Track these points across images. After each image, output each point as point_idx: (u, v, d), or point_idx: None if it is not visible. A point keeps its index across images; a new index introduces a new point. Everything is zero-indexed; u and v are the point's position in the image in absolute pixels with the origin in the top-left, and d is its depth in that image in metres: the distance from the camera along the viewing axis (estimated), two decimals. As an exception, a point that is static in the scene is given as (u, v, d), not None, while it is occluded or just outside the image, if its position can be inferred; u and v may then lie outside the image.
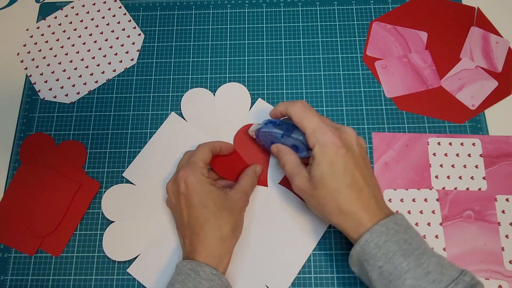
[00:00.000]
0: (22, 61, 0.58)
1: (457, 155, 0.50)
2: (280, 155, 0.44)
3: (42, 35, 0.59)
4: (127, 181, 0.51)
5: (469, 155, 0.50)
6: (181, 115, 0.53)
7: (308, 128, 0.41)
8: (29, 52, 0.58)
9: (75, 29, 0.59)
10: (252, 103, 0.53)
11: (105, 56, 0.58)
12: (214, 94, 0.54)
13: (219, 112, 0.53)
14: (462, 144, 0.51)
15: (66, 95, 0.56)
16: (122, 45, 0.58)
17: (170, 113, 0.53)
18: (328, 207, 0.40)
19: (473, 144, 0.51)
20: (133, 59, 0.57)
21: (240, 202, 0.44)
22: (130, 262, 0.47)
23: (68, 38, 0.59)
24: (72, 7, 0.61)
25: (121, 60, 0.57)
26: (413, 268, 0.35)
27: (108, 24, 0.59)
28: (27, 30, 0.60)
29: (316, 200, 0.40)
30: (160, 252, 0.47)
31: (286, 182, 0.49)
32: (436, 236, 0.47)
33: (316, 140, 0.40)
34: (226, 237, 0.41)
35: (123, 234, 0.48)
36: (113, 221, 0.48)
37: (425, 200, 0.48)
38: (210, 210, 0.41)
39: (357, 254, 0.38)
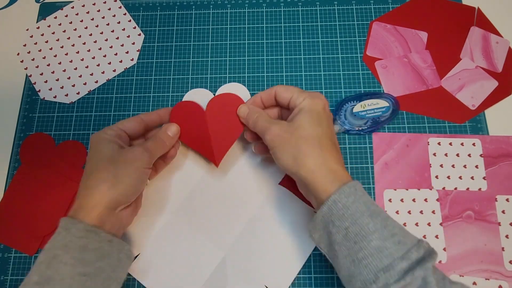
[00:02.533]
0: (22, 61, 0.58)
1: (457, 155, 0.50)
2: (251, 114, 0.44)
3: (42, 35, 0.59)
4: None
5: (469, 155, 0.50)
6: None
7: (292, 92, 0.43)
8: (29, 52, 0.58)
9: (75, 29, 0.59)
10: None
11: (105, 56, 0.58)
12: (214, 94, 0.54)
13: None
14: (462, 144, 0.51)
15: (66, 95, 0.56)
16: (122, 45, 0.58)
17: None
18: (303, 153, 0.39)
19: (473, 144, 0.50)
20: (133, 59, 0.57)
21: (134, 156, 0.41)
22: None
23: (68, 38, 0.59)
24: (72, 7, 0.61)
25: (121, 60, 0.57)
26: (379, 229, 0.35)
27: (108, 24, 0.59)
28: (27, 30, 0.60)
29: (295, 146, 0.39)
30: (160, 251, 0.47)
31: (286, 183, 0.49)
32: (436, 236, 0.47)
33: (307, 96, 0.42)
34: (95, 188, 0.38)
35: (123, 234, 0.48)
36: None
37: (425, 200, 0.48)
38: (93, 163, 0.40)
39: (323, 216, 0.37)
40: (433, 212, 0.48)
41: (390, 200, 0.48)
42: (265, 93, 0.45)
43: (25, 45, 0.59)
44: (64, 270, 0.35)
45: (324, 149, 0.39)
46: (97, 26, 0.59)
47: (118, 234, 0.41)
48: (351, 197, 0.36)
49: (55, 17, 0.60)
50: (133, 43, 0.58)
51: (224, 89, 0.54)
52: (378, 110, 0.50)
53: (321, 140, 0.39)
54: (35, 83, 0.57)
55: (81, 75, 0.57)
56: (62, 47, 0.58)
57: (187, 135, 0.47)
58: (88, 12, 0.60)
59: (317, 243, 0.40)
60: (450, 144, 0.51)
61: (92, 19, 0.60)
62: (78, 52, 0.58)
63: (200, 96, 0.54)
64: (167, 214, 0.49)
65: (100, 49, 0.58)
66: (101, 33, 0.59)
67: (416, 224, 0.47)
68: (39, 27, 0.60)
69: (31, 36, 0.59)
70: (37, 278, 0.34)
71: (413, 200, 0.48)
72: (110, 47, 0.58)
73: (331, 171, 0.38)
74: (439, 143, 0.51)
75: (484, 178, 0.49)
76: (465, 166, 0.50)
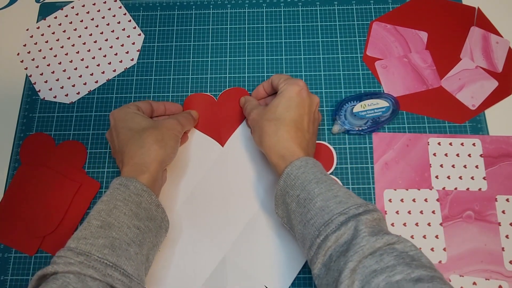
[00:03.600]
0: (22, 61, 0.58)
1: (457, 155, 0.50)
2: (245, 103, 0.50)
3: (42, 35, 0.59)
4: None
5: (469, 155, 0.50)
6: None
7: (283, 76, 0.47)
8: (29, 52, 0.58)
9: (75, 29, 0.59)
10: None
11: (105, 56, 0.58)
12: (216, 97, 0.54)
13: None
14: (462, 144, 0.51)
15: (66, 95, 0.56)
16: (122, 45, 0.58)
17: None
18: (264, 132, 0.43)
19: (473, 144, 0.50)
20: (133, 59, 0.57)
21: (169, 124, 0.46)
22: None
23: (68, 38, 0.59)
24: (72, 7, 0.61)
25: (121, 60, 0.57)
26: (323, 192, 0.38)
27: (108, 24, 0.59)
28: (27, 30, 0.60)
29: (261, 127, 0.44)
30: (161, 253, 0.47)
31: None
32: (436, 236, 0.47)
33: (286, 82, 0.46)
34: (149, 147, 0.43)
35: None
36: None
37: (425, 200, 0.48)
38: (134, 131, 0.44)
39: (280, 189, 0.41)
40: (433, 212, 0.48)
41: (390, 200, 0.48)
42: (266, 82, 0.50)
43: (25, 45, 0.59)
44: (123, 219, 0.38)
45: (282, 129, 0.42)
46: (97, 26, 0.59)
47: (159, 193, 0.45)
48: (301, 169, 0.40)
49: (55, 17, 0.60)
50: (133, 43, 0.58)
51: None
52: (378, 110, 0.50)
53: (282, 121, 0.43)
54: (35, 83, 0.57)
55: (81, 75, 0.57)
56: (62, 47, 0.58)
57: (200, 120, 0.52)
58: (88, 12, 0.60)
59: (281, 217, 0.43)
60: (450, 144, 0.51)
61: (92, 19, 0.60)
62: (78, 52, 0.58)
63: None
64: (166, 212, 0.49)
65: (100, 49, 0.58)
66: (101, 33, 0.59)
67: (416, 224, 0.47)
68: (39, 27, 0.60)
69: (31, 36, 0.59)
70: (99, 223, 0.38)
71: (413, 200, 0.48)
72: (110, 47, 0.58)
73: (285, 148, 0.42)
74: (439, 143, 0.51)
75: (484, 178, 0.49)
76: (465, 166, 0.50)
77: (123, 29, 0.59)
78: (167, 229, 0.44)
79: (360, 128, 0.51)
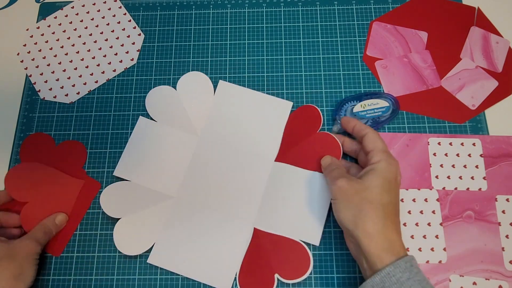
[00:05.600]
0: (22, 61, 0.58)
1: (458, 155, 0.50)
2: (333, 167, 0.45)
3: (42, 35, 0.59)
4: (120, 180, 0.51)
5: (469, 155, 0.50)
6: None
7: (378, 146, 0.43)
8: (29, 52, 0.58)
9: (75, 29, 0.59)
10: (215, 88, 0.54)
11: (105, 56, 0.58)
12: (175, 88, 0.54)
13: (185, 104, 0.53)
14: (462, 144, 0.51)
15: (66, 95, 0.56)
16: (122, 45, 0.58)
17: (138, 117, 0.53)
18: (364, 214, 0.39)
19: (474, 144, 0.50)
20: (133, 59, 0.57)
21: (25, 248, 0.43)
22: (133, 258, 0.47)
23: (68, 38, 0.59)
24: (72, 7, 0.61)
25: (121, 60, 0.57)
26: None
27: (108, 24, 0.59)
28: (27, 30, 0.60)
29: (361, 208, 0.39)
30: (175, 235, 0.47)
31: (283, 157, 0.49)
32: (436, 236, 0.47)
33: (384, 158, 0.42)
34: (5, 284, 0.40)
35: (133, 228, 0.48)
36: (118, 218, 0.48)
37: (426, 200, 0.48)
38: None
39: (373, 286, 0.37)
40: (433, 212, 0.48)
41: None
42: (358, 127, 0.46)
43: (25, 45, 0.59)
44: None
45: (386, 216, 0.39)
46: (97, 26, 0.59)
47: None
48: (406, 273, 0.36)
49: (55, 17, 0.60)
50: (133, 43, 0.58)
51: (184, 80, 0.54)
52: (378, 110, 0.50)
53: (386, 207, 0.39)
54: (35, 83, 0.57)
55: (81, 75, 0.57)
56: (62, 47, 0.58)
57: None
58: (88, 12, 0.60)
59: None
60: (450, 144, 0.51)
61: (92, 19, 0.60)
62: (78, 52, 0.58)
63: (163, 94, 0.54)
64: (170, 198, 0.49)
65: (100, 49, 0.58)
66: (101, 33, 0.59)
67: (416, 224, 0.47)
68: (39, 27, 0.60)
69: (31, 36, 0.59)
70: None
71: (413, 200, 0.48)
72: (110, 47, 0.58)
73: (389, 240, 0.38)
74: (439, 143, 0.51)
75: (484, 178, 0.49)
76: (465, 166, 0.50)
77: (123, 29, 0.59)
78: None
79: None
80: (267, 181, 0.49)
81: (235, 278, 0.46)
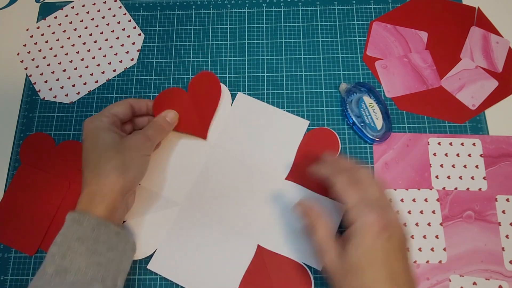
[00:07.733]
0: (22, 61, 0.58)
1: (458, 155, 0.50)
2: (312, 218, 0.40)
3: (42, 35, 0.59)
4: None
5: (469, 155, 0.50)
6: None
7: (349, 201, 0.37)
8: (29, 52, 0.58)
9: (75, 29, 0.59)
10: (233, 99, 0.54)
11: (105, 56, 0.58)
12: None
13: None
14: (462, 144, 0.51)
15: (66, 95, 0.56)
16: (122, 45, 0.58)
17: None
18: None
19: (474, 144, 0.50)
20: (133, 59, 0.57)
21: (138, 144, 0.43)
22: (140, 261, 0.47)
23: (68, 38, 0.59)
24: (72, 7, 0.61)
25: (121, 60, 0.57)
26: None
27: (108, 24, 0.59)
28: (27, 30, 0.60)
29: (346, 283, 0.36)
30: (177, 244, 0.47)
31: (294, 177, 0.49)
32: (437, 236, 0.47)
33: (358, 216, 0.36)
34: (107, 175, 0.39)
35: (136, 232, 0.47)
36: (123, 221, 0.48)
37: (426, 200, 0.48)
38: (95, 152, 0.41)
39: None
40: (433, 212, 0.48)
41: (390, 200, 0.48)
42: (325, 174, 0.41)
43: (25, 45, 0.59)
44: (79, 260, 0.36)
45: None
46: (97, 26, 0.59)
47: (123, 217, 0.43)
48: None
49: (55, 17, 0.60)
50: (133, 43, 0.58)
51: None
52: (371, 118, 0.50)
53: None
54: (35, 83, 0.57)
55: (81, 75, 0.57)
56: (62, 47, 0.58)
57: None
58: (88, 12, 0.60)
59: None
60: (450, 144, 0.51)
61: (92, 19, 0.60)
62: (78, 52, 0.58)
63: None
64: (176, 205, 0.49)
65: (100, 49, 0.58)
66: (101, 33, 0.59)
67: (416, 224, 0.47)
68: (39, 27, 0.60)
69: (31, 36, 0.59)
70: (53, 269, 0.35)
71: (413, 200, 0.48)
72: (110, 47, 0.58)
73: None
74: (439, 143, 0.51)
75: (484, 178, 0.49)
76: (465, 166, 0.50)
77: (123, 29, 0.59)
78: (133, 249, 0.42)
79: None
80: (275, 199, 0.48)
81: None
